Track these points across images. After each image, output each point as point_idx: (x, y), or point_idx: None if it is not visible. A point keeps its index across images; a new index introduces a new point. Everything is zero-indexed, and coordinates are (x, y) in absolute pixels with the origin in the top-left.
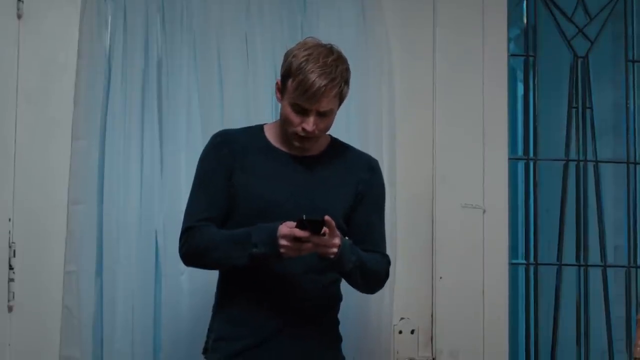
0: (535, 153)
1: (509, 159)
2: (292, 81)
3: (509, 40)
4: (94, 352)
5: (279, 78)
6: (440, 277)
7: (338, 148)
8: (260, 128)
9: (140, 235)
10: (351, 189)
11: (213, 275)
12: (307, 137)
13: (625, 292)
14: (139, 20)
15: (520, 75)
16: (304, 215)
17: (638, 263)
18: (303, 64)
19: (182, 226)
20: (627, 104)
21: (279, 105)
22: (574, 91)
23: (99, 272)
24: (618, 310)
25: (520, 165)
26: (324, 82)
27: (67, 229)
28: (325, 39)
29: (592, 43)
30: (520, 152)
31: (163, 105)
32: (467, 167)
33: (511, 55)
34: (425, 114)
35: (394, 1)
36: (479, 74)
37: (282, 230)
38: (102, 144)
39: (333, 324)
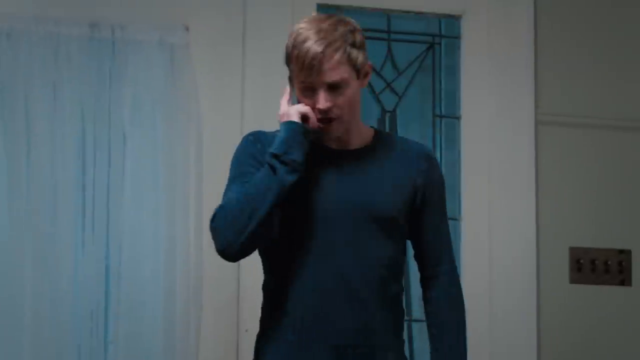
0: None
1: None
2: (292, 61)
3: None
4: None
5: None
6: (246, 330)
7: (385, 139)
8: None
9: None
10: (407, 181)
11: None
12: (328, 118)
13: None
14: None
15: None
16: None
17: None
18: (297, 37)
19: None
20: None
21: (87, 155)
22: None
23: None
24: None
25: None
26: (320, 48)
27: None
28: (134, 85)
29: (400, 97)
30: None
31: None
32: None
33: None
34: None
35: (202, 49)
36: None
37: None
38: None
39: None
